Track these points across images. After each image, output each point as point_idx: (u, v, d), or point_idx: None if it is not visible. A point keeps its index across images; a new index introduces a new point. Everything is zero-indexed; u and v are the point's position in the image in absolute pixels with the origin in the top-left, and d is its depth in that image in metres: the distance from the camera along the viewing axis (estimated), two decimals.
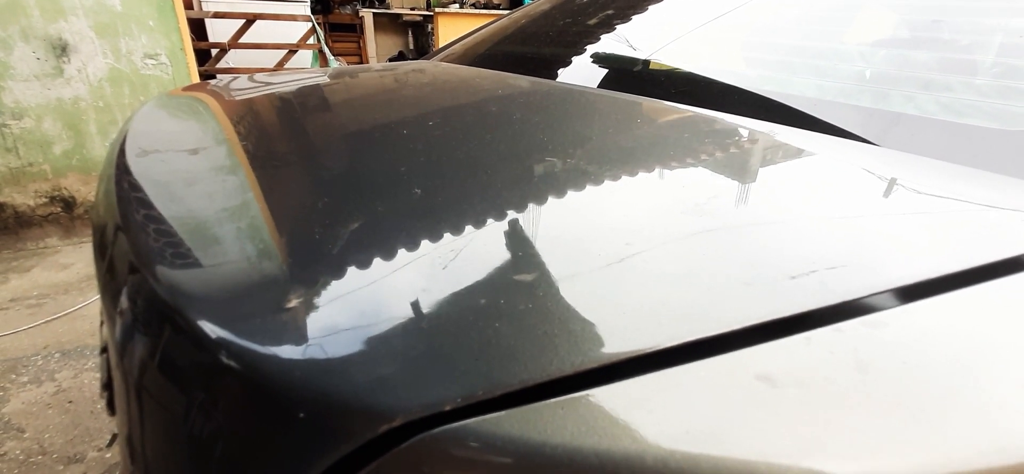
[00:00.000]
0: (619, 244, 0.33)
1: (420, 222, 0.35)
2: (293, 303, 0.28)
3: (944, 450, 0.22)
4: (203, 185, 0.45)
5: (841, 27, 0.81)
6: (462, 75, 0.95)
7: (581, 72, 0.86)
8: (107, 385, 0.43)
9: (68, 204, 2.63)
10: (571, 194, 0.41)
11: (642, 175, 0.45)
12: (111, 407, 0.45)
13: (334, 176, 0.47)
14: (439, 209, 0.38)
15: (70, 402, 1.68)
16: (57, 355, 1.88)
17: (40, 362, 1.85)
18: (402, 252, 0.32)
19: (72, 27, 2.43)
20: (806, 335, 0.25)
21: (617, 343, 0.24)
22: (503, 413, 0.22)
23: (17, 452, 1.51)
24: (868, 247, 0.33)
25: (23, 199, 2.53)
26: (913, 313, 0.28)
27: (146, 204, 0.41)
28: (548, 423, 0.21)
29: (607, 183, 0.43)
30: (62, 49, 2.44)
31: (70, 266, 2.45)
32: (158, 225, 0.38)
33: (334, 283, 0.29)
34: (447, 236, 0.34)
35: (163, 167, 0.49)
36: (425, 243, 0.33)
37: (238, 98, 0.82)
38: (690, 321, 0.26)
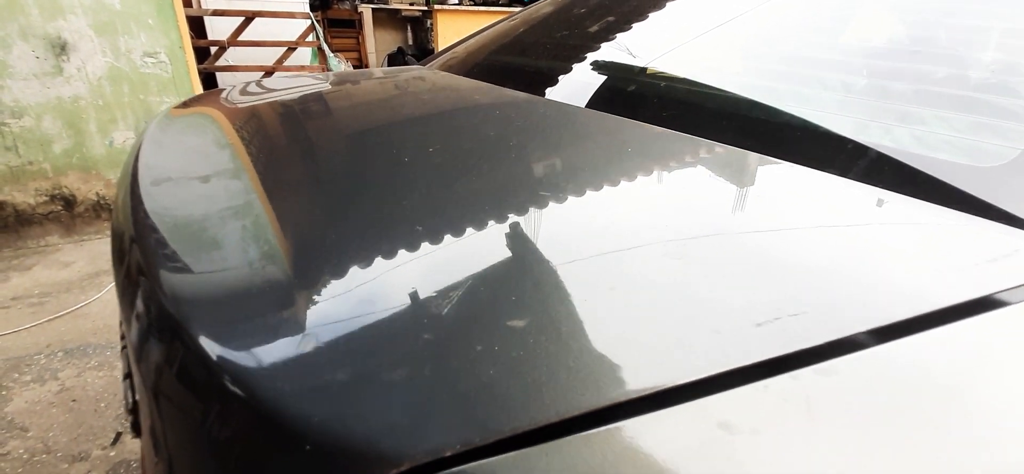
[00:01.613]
0: (603, 289, 0.36)
1: (422, 276, 0.38)
2: (308, 351, 0.31)
3: None
4: (215, 215, 0.47)
5: (826, 40, 0.84)
6: (462, 89, 0.98)
7: (580, 89, 0.89)
8: (132, 409, 0.47)
9: (69, 202, 2.64)
10: (561, 238, 0.44)
11: (629, 213, 0.49)
12: (136, 429, 0.49)
13: (328, 224, 0.48)
14: (438, 264, 0.41)
15: (74, 401, 1.71)
16: (60, 354, 1.91)
17: (43, 361, 1.87)
18: (404, 305, 0.35)
19: (71, 26, 2.44)
20: (764, 383, 0.29)
21: (596, 393, 0.28)
22: (496, 458, 0.25)
23: (21, 451, 1.54)
24: (830, 293, 0.37)
25: (23, 197, 2.55)
26: (862, 360, 0.31)
27: (170, 256, 0.44)
28: (535, 467, 0.25)
29: (595, 224, 0.46)
30: (61, 48, 2.45)
31: (71, 264, 2.47)
32: (181, 276, 0.41)
33: (345, 335, 0.32)
34: (445, 287, 0.37)
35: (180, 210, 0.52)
36: (425, 296, 0.36)
37: (251, 110, 0.84)
38: (664, 370, 0.29)
